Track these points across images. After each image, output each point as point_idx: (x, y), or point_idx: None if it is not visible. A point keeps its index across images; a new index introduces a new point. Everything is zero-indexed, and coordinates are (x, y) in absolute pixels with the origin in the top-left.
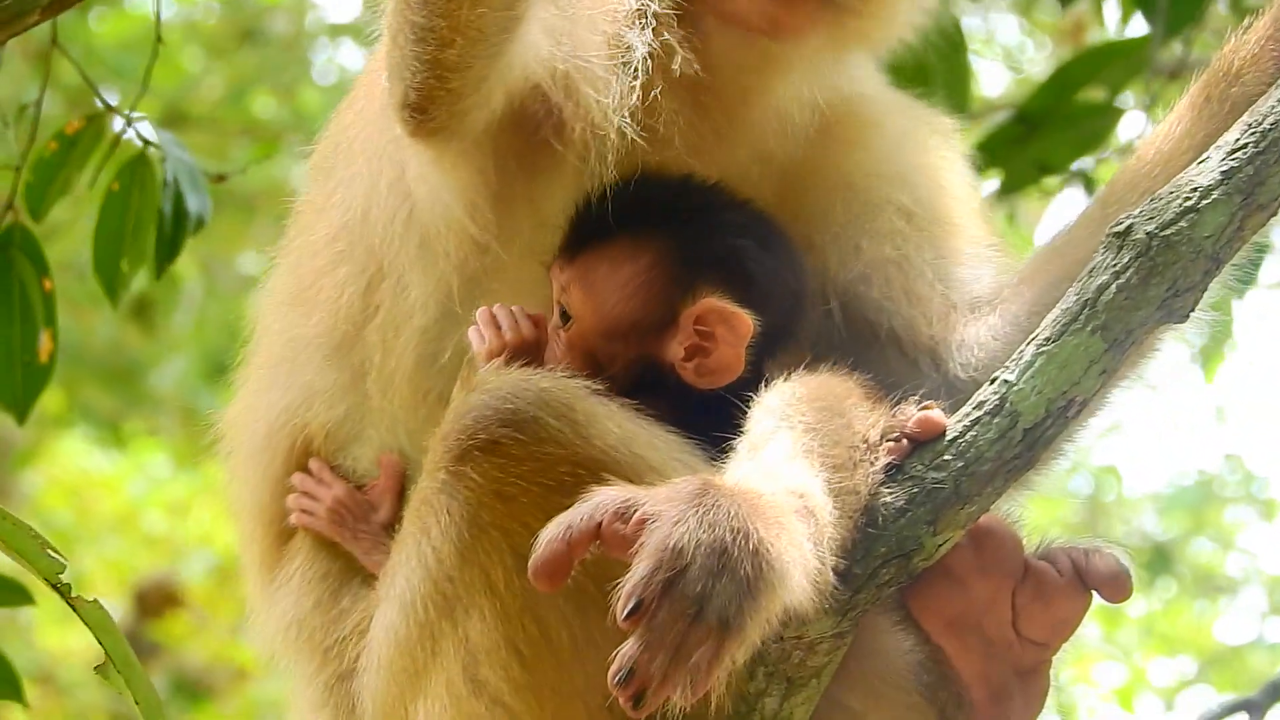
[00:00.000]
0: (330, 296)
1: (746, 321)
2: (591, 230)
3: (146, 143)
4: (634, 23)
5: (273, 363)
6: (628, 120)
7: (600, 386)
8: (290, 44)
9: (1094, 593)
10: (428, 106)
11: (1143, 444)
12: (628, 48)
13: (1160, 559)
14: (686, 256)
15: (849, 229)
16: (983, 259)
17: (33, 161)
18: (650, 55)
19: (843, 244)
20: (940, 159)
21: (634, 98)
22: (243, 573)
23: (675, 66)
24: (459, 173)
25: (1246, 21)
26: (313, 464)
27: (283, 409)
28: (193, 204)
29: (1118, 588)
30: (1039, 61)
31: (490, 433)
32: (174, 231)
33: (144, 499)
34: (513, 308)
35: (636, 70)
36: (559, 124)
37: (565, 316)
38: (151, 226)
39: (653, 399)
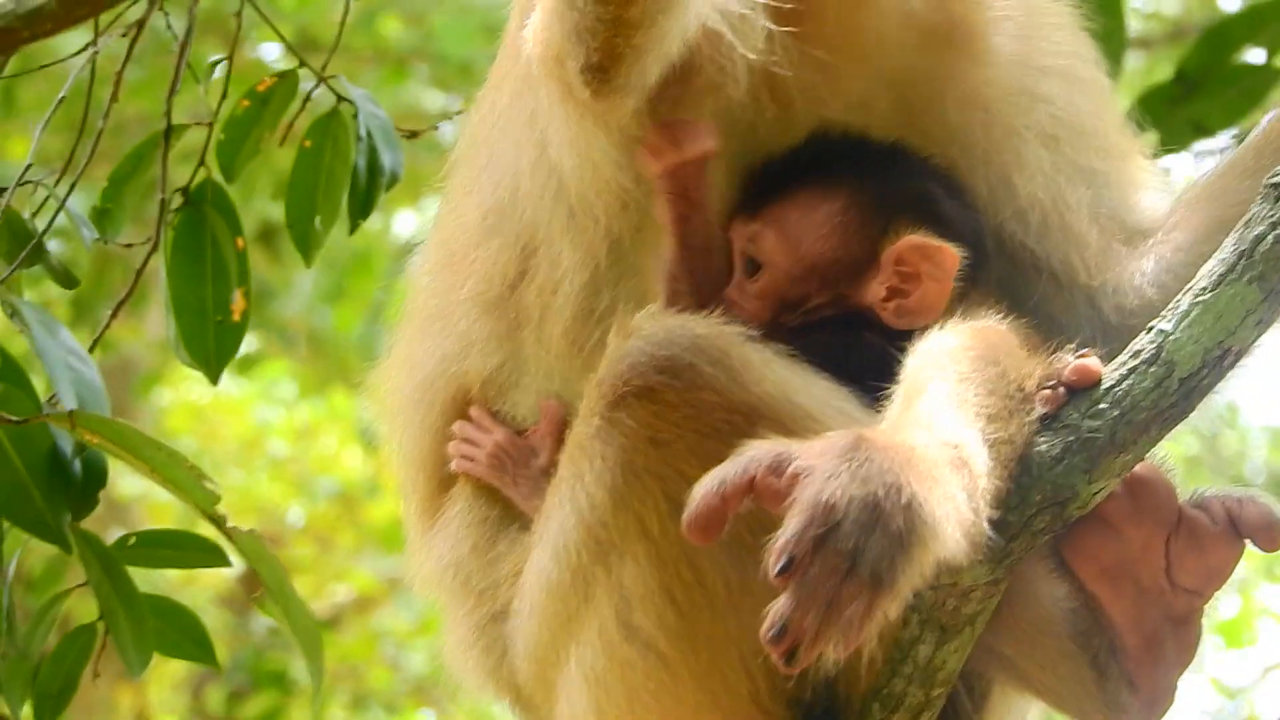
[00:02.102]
0: (484, 264)
1: (953, 255)
2: (775, 181)
3: (341, 98)
4: None
5: (427, 319)
6: (772, 55)
7: (770, 335)
8: None
9: (1248, 541)
10: (611, 66)
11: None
12: None
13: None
14: (880, 198)
15: (995, 158)
16: (1134, 183)
17: (225, 120)
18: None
19: (991, 176)
20: (1071, 59)
21: (774, 27)
22: (401, 506)
23: None
24: (619, 129)
25: None
26: (473, 411)
27: (440, 358)
28: (387, 160)
29: (1272, 536)
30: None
31: (645, 379)
32: (369, 188)
33: (270, 425)
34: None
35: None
36: (720, 67)
37: (753, 267)
38: (344, 183)
39: (819, 346)
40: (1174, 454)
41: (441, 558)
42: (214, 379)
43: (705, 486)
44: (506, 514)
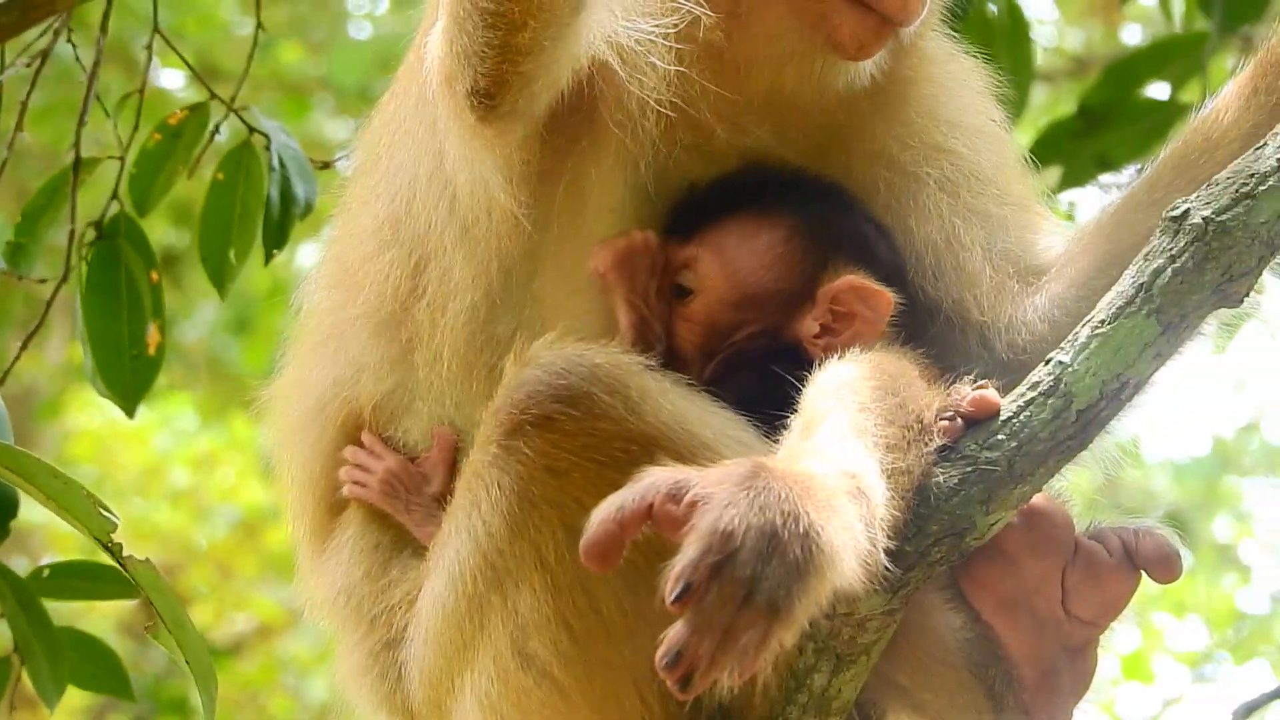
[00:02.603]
0: (377, 279)
1: (888, 298)
2: (712, 206)
3: (252, 130)
4: None
5: (320, 339)
6: (669, 89)
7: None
8: None
9: (1143, 573)
10: (498, 92)
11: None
12: (674, 10)
13: (1177, 527)
14: (819, 233)
15: (895, 205)
16: (1030, 226)
17: (136, 153)
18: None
19: (889, 220)
20: (978, 117)
21: (670, 65)
22: (290, 537)
23: (700, 34)
24: (507, 154)
25: None
26: (365, 436)
27: (332, 382)
28: (301, 190)
29: (1167, 569)
30: (1070, 35)
31: (543, 408)
32: (282, 219)
33: (170, 453)
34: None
35: (673, 38)
36: (618, 98)
37: (682, 292)
38: (258, 214)
39: (730, 376)
40: (1075, 487)
41: (333, 583)
42: (130, 412)
43: (603, 512)
44: (399, 540)
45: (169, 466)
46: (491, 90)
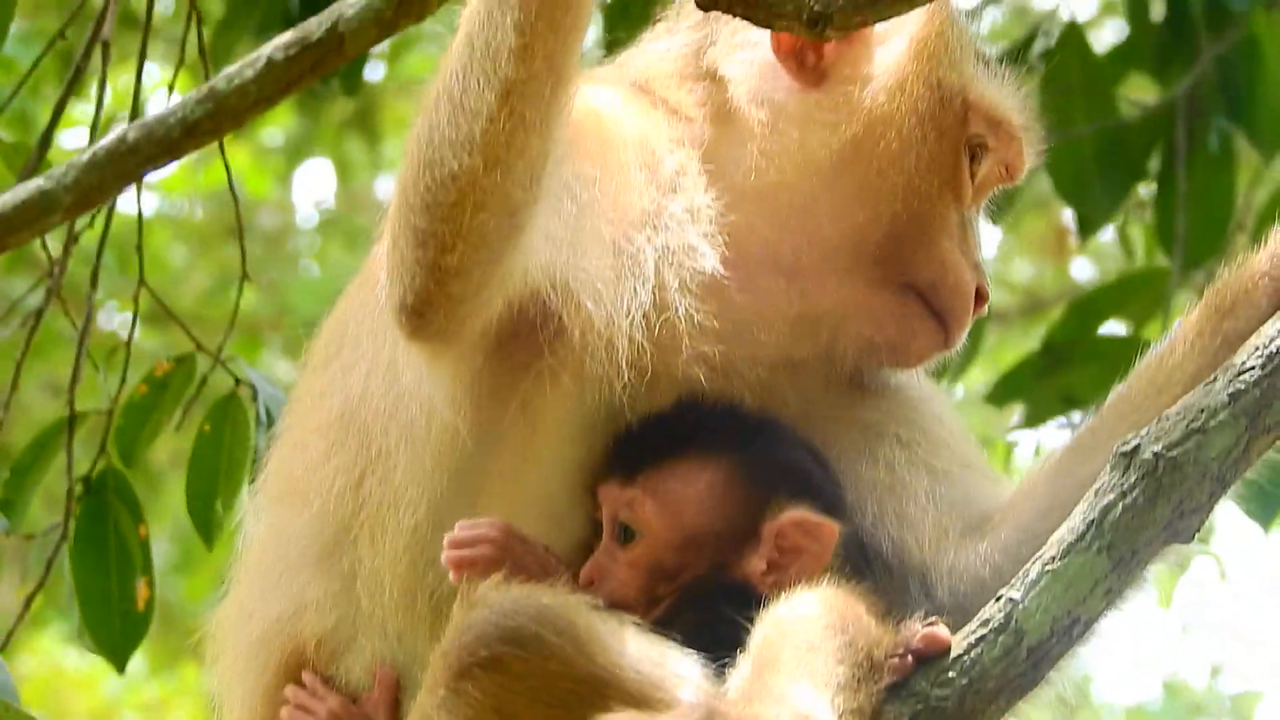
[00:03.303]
0: (322, 490)
1: (832, 530)
2: (651, 447)
3: (238, 381)
4: (644, 226)
5: (265, 564)
6: (636, 324)
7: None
8: (276, 239)
9: None
10: (425, 310)
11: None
12: (637, 251)
13: None
14: (759, 470)
15: (849, 454)
16: (974, 480)
17: (123, 405)
18: (667, 258)
19: (843, 467)
20: (943, 405)
21: (641, 302)
22: None
23: (704, 265)
24: (450, 373)
25: (1242, 256)
26: (306, 677)
27: (275, 619)
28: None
29: None
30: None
31: (492, 649)
32: None
33: (120, 699)
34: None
35: (647, 275)
36: (559, 330)
37: (626, 535)
38: (245, 465)
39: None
40: None
41: None
42: (120, 668)
43: None
44: None
45: (119, 713)
46: (419, 308)
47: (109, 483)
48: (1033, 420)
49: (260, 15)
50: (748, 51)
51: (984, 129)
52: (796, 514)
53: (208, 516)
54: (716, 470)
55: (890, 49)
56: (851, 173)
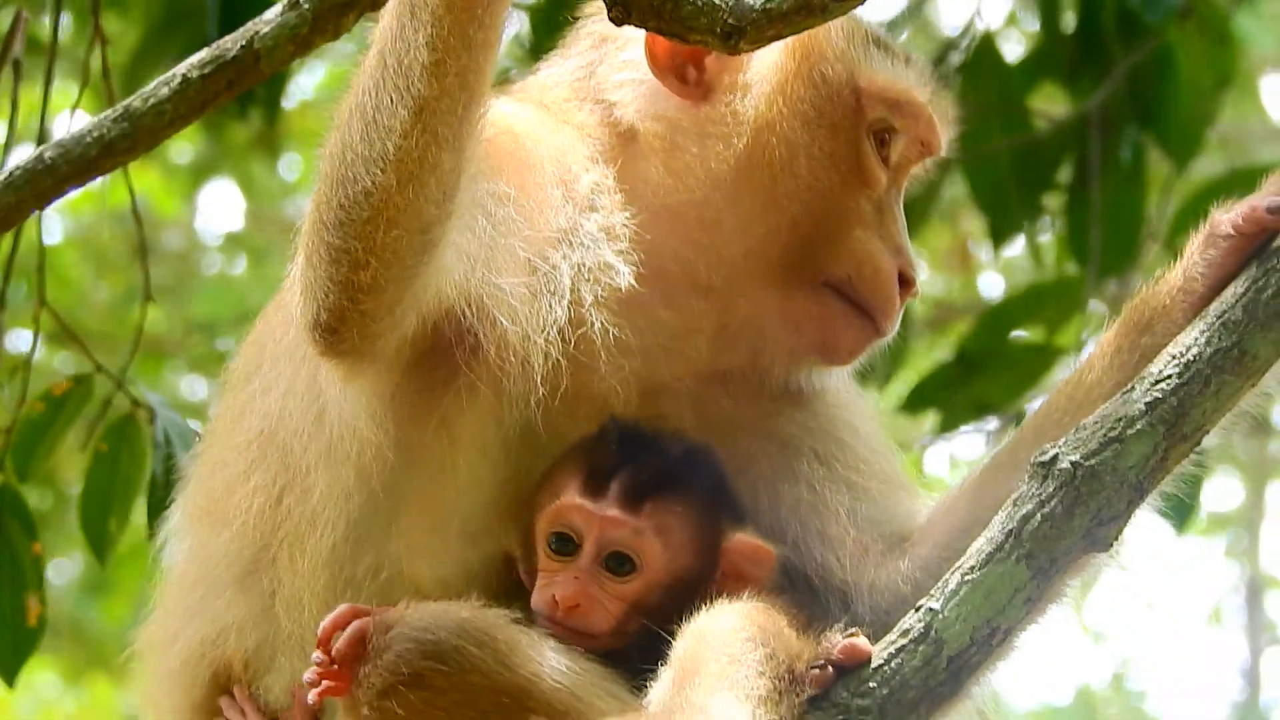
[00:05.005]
0: (241, 509)
1: (770, 553)
2: (651, 477)
3: (136, 404)
4: (560, 244)
5: (187, 583)
6: (553, 341)
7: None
8: (182, 258)
9: None
10: (339, 327)
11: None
12: (552, 269)
13: None
14: (716, 504)
15: (770, 474)
16: (894, 496)
17: (19, 423)
18: (583, 275)
19: (764, 488)
20: (861, 412)
21: (557, 318)
22: None
23: (620, 282)
24: (367, 390)
25: (1158, 272)
26: (237, 691)
27: (199, 641)
28: (186, 464)
29: None
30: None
31: (413, 665)
32: (166, 492)
33: (32, 718)
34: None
35: (562, 292)
36: (475, 347)
37: (621, 565)
38: (139, 487)
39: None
40: None
41: None
42: (10, 682)
43: None
44: None
45: None
46: (333, 325)
47: (3, 499)
48: (946, 427)
49: (178, 46)
50: (632, 72)
51: (884, 112)
52: (741, 540)
53: (101, 535)
54: (694, 509)
55: (768, 53)
56: (749, 183)
